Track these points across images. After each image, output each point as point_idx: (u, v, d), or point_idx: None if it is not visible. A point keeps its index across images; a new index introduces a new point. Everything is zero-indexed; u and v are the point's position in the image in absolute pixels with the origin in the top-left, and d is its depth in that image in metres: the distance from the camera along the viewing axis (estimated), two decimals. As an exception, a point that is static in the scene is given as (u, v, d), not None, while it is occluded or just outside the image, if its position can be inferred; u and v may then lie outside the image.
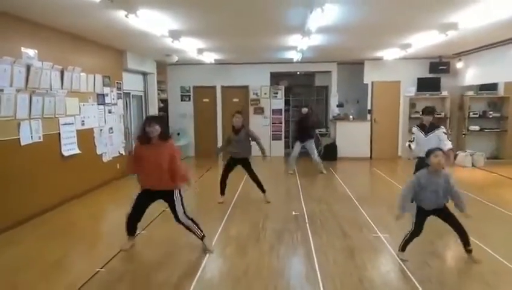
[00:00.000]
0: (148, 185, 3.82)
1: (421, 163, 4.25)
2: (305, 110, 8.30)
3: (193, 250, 3.94)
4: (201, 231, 3.90)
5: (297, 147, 8.31)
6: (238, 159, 5.78)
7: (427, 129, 5.12)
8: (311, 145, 8.23)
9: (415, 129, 5.32)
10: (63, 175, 5.75)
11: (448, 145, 4.91)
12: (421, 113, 5.48)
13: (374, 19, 5.31)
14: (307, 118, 8.26)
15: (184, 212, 3.81)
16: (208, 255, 3.83)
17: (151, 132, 3.64)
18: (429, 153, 3.53)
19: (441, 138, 4.94)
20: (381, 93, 10.05)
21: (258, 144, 5.82)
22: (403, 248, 3.71)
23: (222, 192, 5.83)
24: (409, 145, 5.26)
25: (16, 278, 3.42)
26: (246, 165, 5.79)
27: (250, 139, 5.77)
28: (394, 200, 5.90)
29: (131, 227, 3.97)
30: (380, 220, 4.85)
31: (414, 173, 5.10)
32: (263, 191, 5.88)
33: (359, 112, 10.57)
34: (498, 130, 9.30)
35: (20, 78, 4.81)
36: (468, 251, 3.62)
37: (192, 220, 3.86)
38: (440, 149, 3.61)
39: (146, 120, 3.83)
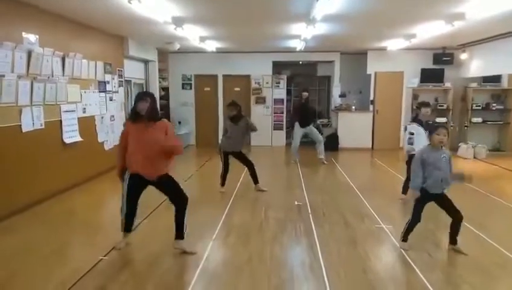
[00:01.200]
0: (139, 171, 3.45)
1: None
2: (305, 94, 8.20)
3: (196, 239, 3.93)
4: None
5: (299, 133, 8.20)
6: (230, 153, 5.74)
7: (429, 126, 5.03)
8: (312, 129, 8.20)
9: (413, 127, 5.04)
10: (64, 163, 5.72)
11: None
12: (416, 107, 5.34)
13: (380, 7, 5.23)
14: (308, 102, 8.23)
15: None
16: (211, 244, 3.82)
17: (143, 109, 3.38)
18: (433, 129, 3.49)
19: None
20: (384, 84, 9.99)
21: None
22: (404, 238, 3.70)
23: (223, 184, 5.82)
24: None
25: (17, 265, 3.41)
26: (241, 157, 5.76)
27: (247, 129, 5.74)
28: (396, 191, 5.96)
29: (130, 223, 3.68)
30: (382, 211, 4.84)
31: (406, 162, 5.09)
32: (255, 181, 5.85)
33: (361, 102, 10.51)
34: (501, 122, 9.27)
35: (21, 64, 4.75)
36: (452, 242, 3.61)
37: None
38: (445, 127, 3.53)
39: (139, 96, 3.49)
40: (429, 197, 3.56)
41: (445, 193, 3.55)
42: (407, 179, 5.30)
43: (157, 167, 3.45)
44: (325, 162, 8.20)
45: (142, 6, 4.76)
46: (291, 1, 4.93)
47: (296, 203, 5.22)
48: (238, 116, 5.66)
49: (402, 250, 3.64)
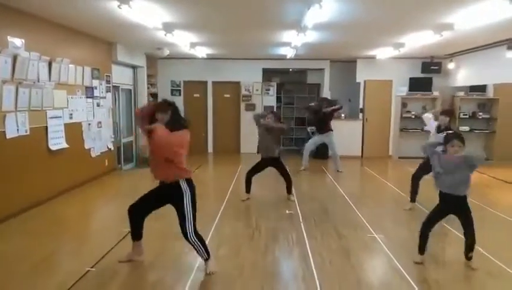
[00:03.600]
0: (156, 176, 3.33)
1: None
2: (316, 104, 8.23)
3: (187, 248, 3.84)
4: (207, 252, 3.38)
5: (314, 139, 8.17)
6: (267, 160, 5.60)
7: (441, 129, 5.06)
8: (331, 138, 8.07)
9: (431, 118, 5.24)
10: (50, 170, 5.57)
11: None
12: (439, 113, 5.48)
13: (370, 17, 5.27)
14: (320, 109, 8.08)
15: (194, 229, 3.29)
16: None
17: (162, 119, 3.23)
18: (446, 140, 3.40)
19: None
20: (373, 92, 10.06)
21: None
22: (420, 250, 3.58)
23: (247, 190, 5.70)
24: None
25: (4, 274, 3.28)
26: (277, 165, 5.63)
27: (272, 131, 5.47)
28: (387, 199, 5.99)
29: (135, 226, 3.44)
30: (374, 220, 4.82)
31: (421, 164, 5.11)
32: (288, 192, 5.76)
33: (351, 110, 10.56)
34: (487, 131, 9.42)
35: (6, 69, 4.61)
36: (468, 258, 3.53)
37: (200, 238, 3.34)
38: (458, 137, 3.40)
39: (160, 107, 3.33)
40: (447, 202, 3.43)
41: (467, 201, 3.43)
42: (413, 186, 5.31)
43: (170, 173, 3.23)
44: (341, 170, 8.01)
45: (132, 12, 4.68)
46: (283, 9, 4.92)
47: (287, 212, 5.17)
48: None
49: (414, 262, 3.56)
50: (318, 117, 8.09)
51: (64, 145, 5.90)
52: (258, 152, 5.68)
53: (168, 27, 5.87)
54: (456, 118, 9.31)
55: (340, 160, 8.14)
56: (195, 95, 10.70)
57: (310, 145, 8.28)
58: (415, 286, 3.14)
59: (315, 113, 8.16)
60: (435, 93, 9.69)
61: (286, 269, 3.55)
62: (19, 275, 3.29)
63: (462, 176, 3.35)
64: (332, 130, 8.08)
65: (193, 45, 7.79)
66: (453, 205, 3.46)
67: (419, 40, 6.80)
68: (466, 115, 9.37)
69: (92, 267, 3.41)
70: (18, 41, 4.82)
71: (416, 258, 3.58)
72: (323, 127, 8.04)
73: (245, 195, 5.69)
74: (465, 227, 3.47)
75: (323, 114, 8.00)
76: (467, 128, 9.27)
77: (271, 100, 10.75)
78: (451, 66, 9.32)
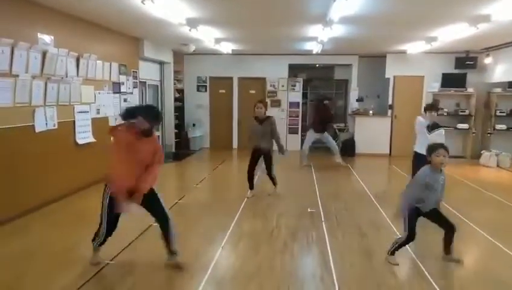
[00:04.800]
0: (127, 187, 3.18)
1: (420, 160, 4.05)
2: (326, 102, 8.32)
3: (205, 244, 3.84)
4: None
5: (311, 137, 8.29)
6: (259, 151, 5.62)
7: (430, 127, 4.90)
8: (328, 136, 8.26)
9: (421, 119, 5.13)
10: (76, 163, 5.72)
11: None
12: (423, 110, 5.33)
13: (400, 9, 5.04)
14: (327, 109, 8.27)
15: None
16: (219, 251, 3.71)
17: (141, 127, 3.08)
18: (431, 150, 3.26)
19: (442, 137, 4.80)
20: (403, 88, 9.71)
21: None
22: (392, 252, 3.50)
23: (251, 186, 5.72)
24: None
25: (25, 266, 3.37)
26: (268, 157, 5.64)
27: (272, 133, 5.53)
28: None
29: (103, 240, 3.35)
30: (399, 221, 4.62)
31: (413, 168, 4.90)
32: (274, 184, 5.82)
33: (379, 107, 10.26)
34: (526, 130, 8.88)
35: (36, 65, 4.76)
36: (447, 252, 3.47)
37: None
38: (443, 146, 3.29)
39: (150, 112, 3.17)
40: (421, 214, 3.42)
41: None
42: None
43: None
44: (343, 163, 8.20)
45: (155, 7, 4.71)
46: (308, 2, 4.80)
47: (309, 210, 5.06)
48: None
49: (392, 264, 3.45)
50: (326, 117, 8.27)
51: (92, 139, 6.05)
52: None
53: (192, 22, 5.87)
54: (492, 115, 8.84)
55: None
56: (220, 91, 10.72)
57: (308, 142, 8.40)
58: (439, 291, 2.99)
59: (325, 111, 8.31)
60: (470, 89, 9.23)
61: (304, 268, 3.47)
62: (41, 265, 3.39)
63: (440, 194, 3.37)
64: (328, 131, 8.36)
65: (218, 41, 7.78)
66: (427, 214, 3.43)
67: (453, 33, 6.47)
68: (503, 112, 8.84)
69: (111, 260, 3.46)
70: (47, 38, 4.96)
71: (393, 260, 3.48)
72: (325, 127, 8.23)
73: (249, 192, 5.68)
74: (442, 222, 3.43)
75: (330, 115, 8.42)
76: (504, 126, 8.79)
77: (297, 96, 10.62)
78: (487, 60, 8.83)
